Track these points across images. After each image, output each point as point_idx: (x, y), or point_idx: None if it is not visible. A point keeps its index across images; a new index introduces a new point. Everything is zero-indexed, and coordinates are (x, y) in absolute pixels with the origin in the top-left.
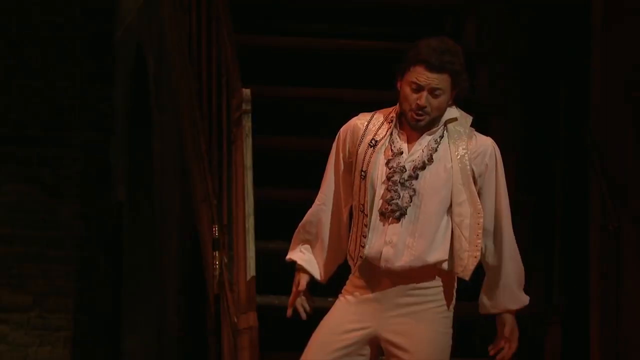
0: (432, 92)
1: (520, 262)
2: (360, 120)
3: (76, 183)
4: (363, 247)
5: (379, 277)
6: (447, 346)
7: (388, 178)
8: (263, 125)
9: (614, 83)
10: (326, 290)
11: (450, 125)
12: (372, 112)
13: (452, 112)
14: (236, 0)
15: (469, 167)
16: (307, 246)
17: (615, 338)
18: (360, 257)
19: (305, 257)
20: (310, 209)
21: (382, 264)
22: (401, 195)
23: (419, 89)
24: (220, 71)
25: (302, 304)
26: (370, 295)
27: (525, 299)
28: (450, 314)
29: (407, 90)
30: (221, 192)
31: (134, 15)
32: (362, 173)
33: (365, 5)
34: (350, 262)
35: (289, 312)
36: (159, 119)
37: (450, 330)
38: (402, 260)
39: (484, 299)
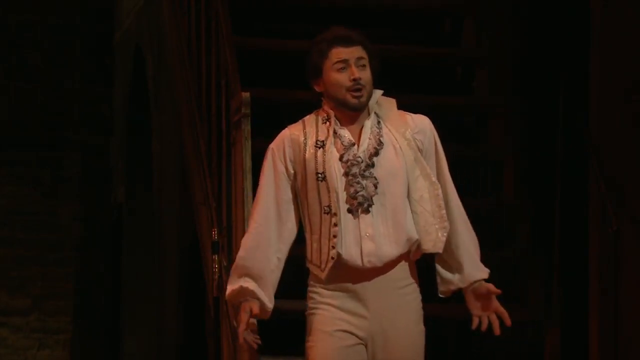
0: (358, 63)
1: (473, 232)
2: (292, 130)
3: (75, 185)
4: (334, 247)
5: (354, 279)
6: (423, 342)
7: (346, 173)
8: (262, 128)
9: (613, 86)
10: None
11: (377, 110)
12: (299, 121)
13: (376, 93)
14: (235, 3)
15: (414, 142)
16: (249, 279)
17: (615, 341)
18: (332, 258)
19: (253, 285)
20: (247, 232)
21: (365, 259)
22: (364, 185)
23: (345, 66)
24: (219, 74)
25: (253, 339)
26: (350, 303)
27: (486, 270)
28: (421, 305)
29: (334, 75)
30: (220, 195)
31: (133, 17)
32: (319, 175)
33: (364, 8)
34: (316, 270)
35: (241, 340)
36: (159, 121)
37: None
38: (386, 250)
39: (447, 275)
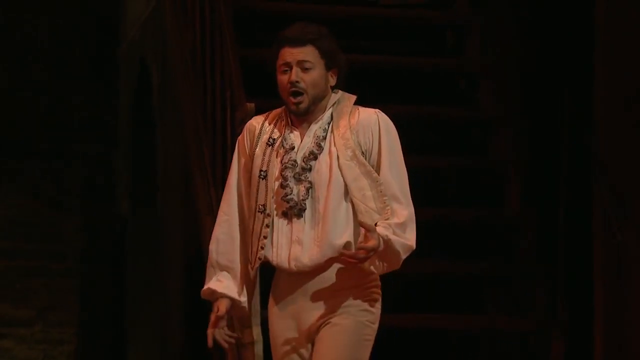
0: (301, 65)
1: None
2: (255, 121)
3: (79, 196)
4: (263, 248)
5: (294, 285)
6: (364, 351)
7: (281, 175)
8: None
9: (617, 96)
10: None
11: (335, 110)
12: (267, 113)
13: (335, 96)
14: (239, 13)
15: (353, 141)
16: (225, 273)
17: (620, 351)
18: (259, 259)
19: (224, 284)
20: (216, 224)
21: (292, 263)
22: (294, 189)
23: (288, 68)
24: (224, 85)
25: (223, 337)
26: (288, 307)
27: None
28: (371, 315)
29: (279, 77)
30: None
31: (138, 28)
32: (262, 173)
33: (366, 20)
34: (249, 267)
35: (209, 342)
36: (163, 132)
37: (369, 337)
38: (310, 254)
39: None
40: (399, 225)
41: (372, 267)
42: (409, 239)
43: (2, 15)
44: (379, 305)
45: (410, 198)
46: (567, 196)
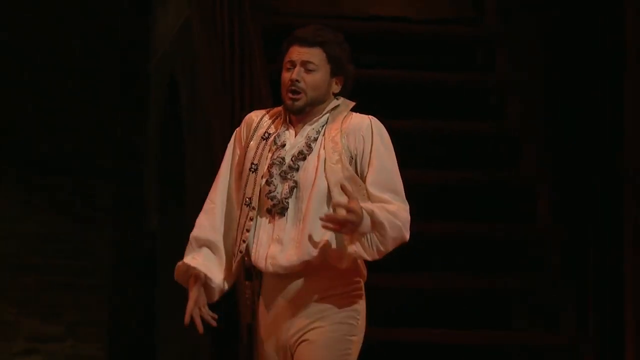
0: (305, 65)
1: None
2: (255, 114)
3: (109, 212)
4: (244, 242)
5: (275, 287)
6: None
7: (268, 171)
8: None
9: None
10: None
11: (331, 114)
12: (270, 109)
13: (335, 102)
14: (268, 29)
15: (342, 144)
16: (203, 252)
17: None
18: (240, 252)
19: (200, 261)
20: (202, 211)
21: (268, 261)
22: (278, 187)
23: (292, 66)
24: (253, 102)
25: (206, 316)
26: (271, 310)
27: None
28: (352, 327)
29: (282, 74)
30: None
31: (167, 45)
32: (253, 166)
33: (395, 35)
34: (232, 260)
35: (186, 319)
36: (192, 149)
37: (349, 352)
38: (289, 255)
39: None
40: (388, 209)
41: (360, 249)
42: (399, 218)
43: (33, 31)
44: (361, 315)
45: (404, 198)
46: (596, 210)
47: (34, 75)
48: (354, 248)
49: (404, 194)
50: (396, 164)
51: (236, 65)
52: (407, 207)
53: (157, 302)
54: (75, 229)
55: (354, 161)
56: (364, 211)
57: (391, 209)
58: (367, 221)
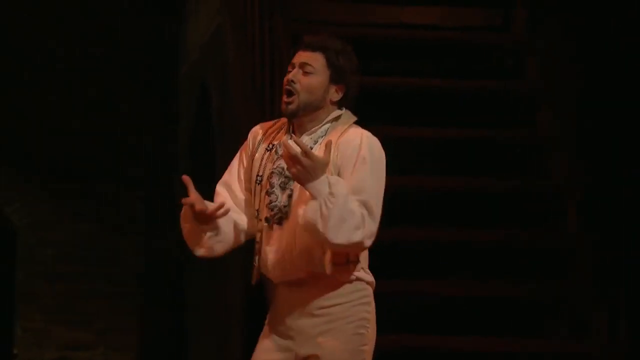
0: (303, 67)
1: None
2: (260, 126)
3: (140, 220)
4: (256, 254)
5: (281, 295)
6: None
7: (268, 181)
8: None
9: None
10: None
11: (332, 126)
12: (277, 120)
13: (337, 112)
14: (299, 37)
15: (332, 157)
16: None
17: None
18: (254, 264)
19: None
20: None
21: (270, 271)
22: (279, 197)
23: (292, 69)
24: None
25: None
26: (278, 318)
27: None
28: (363, 337)
29: (285, 77)
30: None
31: (198, 52)
32: (258, 178)
33: (423, 42)
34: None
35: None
36: (222, 155)
37: (363, 356)
38: (283, 265)
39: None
40: (352, 205)
41: (307, 213)
42: (356, 216)
43: (63, 38)
44: (370, 323)
45: (374, 213)
46: (628, 218)
47: (64, 83)
48: (300, 211)
49: (375, 209)
50: (381, 180)
51: (266, 72)
52: (373, 221)
53: (187, 309)
54: (106, 237)
55: (337, 174)
56: (326, 176)
57: (353, 207)
58: (323, 185)
